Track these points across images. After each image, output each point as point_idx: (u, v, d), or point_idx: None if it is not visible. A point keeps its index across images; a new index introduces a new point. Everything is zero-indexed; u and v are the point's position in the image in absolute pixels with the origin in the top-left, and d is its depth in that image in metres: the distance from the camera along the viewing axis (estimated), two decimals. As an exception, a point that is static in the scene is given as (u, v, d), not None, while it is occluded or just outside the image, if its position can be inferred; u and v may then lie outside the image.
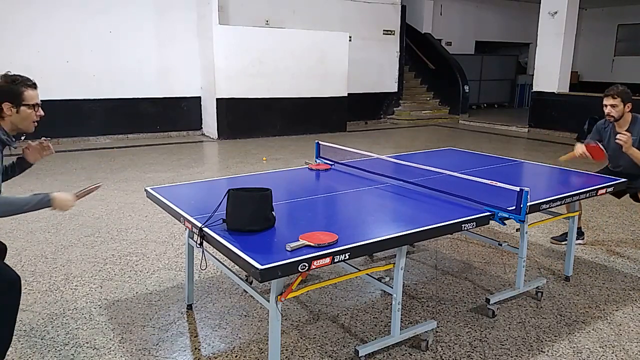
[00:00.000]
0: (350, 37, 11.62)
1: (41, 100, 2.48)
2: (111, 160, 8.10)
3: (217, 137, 10.34)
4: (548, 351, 2.79)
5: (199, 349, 2.80)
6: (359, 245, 2.19)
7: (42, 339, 2.85)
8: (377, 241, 2.26)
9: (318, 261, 2.04)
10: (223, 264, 2.87)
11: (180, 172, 7.28)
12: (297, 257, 2.01)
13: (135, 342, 2.83)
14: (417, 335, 2.82)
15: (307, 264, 2.01)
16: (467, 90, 14.42)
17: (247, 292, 3.18)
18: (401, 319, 2.74)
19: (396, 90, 13.91)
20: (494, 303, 3.19)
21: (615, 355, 2.76)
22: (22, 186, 5.82)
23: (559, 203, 3.03)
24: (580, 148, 4.03)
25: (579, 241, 4.43)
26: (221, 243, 2.19)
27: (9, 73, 2.34)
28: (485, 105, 17.37)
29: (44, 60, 9.19)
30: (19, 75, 2.35)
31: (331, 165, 3.88)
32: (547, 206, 2.96)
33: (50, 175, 6.91)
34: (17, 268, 3.80)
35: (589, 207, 5.51)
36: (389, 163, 3.95)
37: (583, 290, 3.56)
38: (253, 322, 3.07)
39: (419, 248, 4.29)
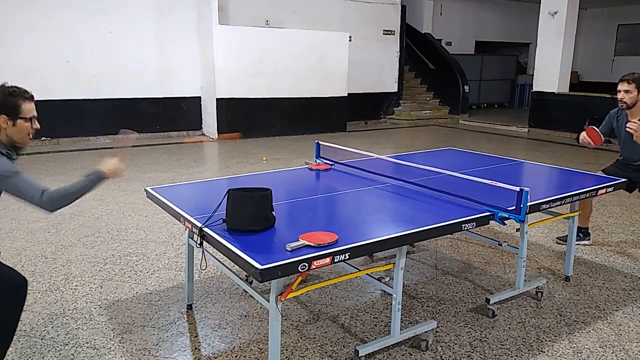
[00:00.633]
0: (350, 37, 11.62)
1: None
2: (111, 160, 8.08)
3: (217, 137, 10.34)
4: (548, 351, 2.79)
5: (199, 349, 2.80)
6: (359, 245, 2.19)
7: (42, 339, 2.85)
8: (377, 241, 2.26)
9: (318, 261, 2.04)
10: (223, 264, 2.87)
11: (180, 172, 7.28)
12: (297, 257, 2.01)
13: (135, 342, 2.83)
14: (417, 335, 2.82)
15: (307, 264, 2.01)
16: (467, 90, 14.42)
17: (247, 292, 3.19)
18: (401, 319, 2.74)
19: (396, 90, 13.91)
20: (494, 303, 3.19)
21: (615, 355, 2.76)
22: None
23: (558, 203, 3.03)
24: (582, 136, 4.04)
25: (585, 242, 4.40)
26: (221, 243, 2.19)
27: (6, 85, 2.30)
28: (485, 105, 17.36)
29: (44, 60, 9.19)
30: (17, 87, 2.32)
31: (331, 165, 3.88)
32: (547, 206, 2.96)
33: (50, 175, 6.91)
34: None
35: (589, 207, 5.50)
36: (389, 163, 3.95)
37: (583, 290, 3.56)
38: (253, 322, 3.07)
39: (419, 248, 4.29)
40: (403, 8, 13.50)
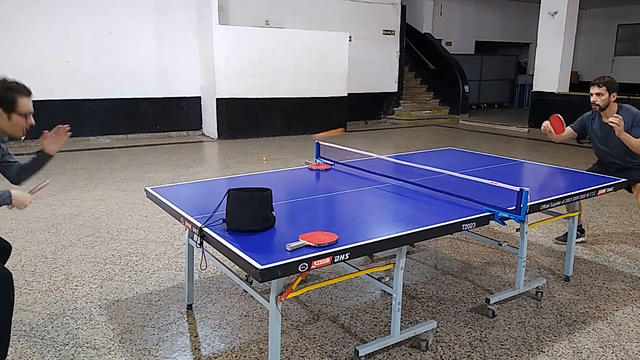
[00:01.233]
0: (350, 37, 11.62)
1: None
2: (111, 160, 8.10)
3: (217, 137, 10.34)
4: (548, 351, 2.79)
5: (199, 349, 2.80)
6: (359, 245, 2.19)
7: (42, 339, 2.85)
8: (377, 241, 2.26)
9: (318, 261, 2.04)
10: (223, 264, 2.87)
11: (180, 172, 7.28)
12: (297, 257, 2.01)
13: (135, 342, 2.83)
14: (417, 335, 2.82)
15: (307, 264, 2.01)
16: (467, 90, 14.42)
17: (247, 292, 3.18)
18: (401, 319, 2.74)
19: (396, 90, 13.91)
20: (494, 303, 3.19)
21: (615, 355, 2.76)
22: (22, 186, 5.78)
23: (558, 203, 3.03)
24: (544, 123, 4.15)
25: (581, 239, 4.43)
26: (221, 243, 2.19)
27: (6, 79, 2.33)
28: (485, 105, 17.37)
29: (44, 60, 9.19)
30: (15, 82, 2.35)
31: (331, 165, 3.88)
32: (547, 206, 2.96)
33: (50, 175, 6.86)
34: (17, 268, 3.80)
35: (589, 207, 5.51)
36: (389, 163, 3.95)
37: (583, 290, 3.56)
38: (253, 322, 3.07)
39: (419, 248, 4.29)
40: (403, 8, 13.51)
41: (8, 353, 2.49)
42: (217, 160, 8.75)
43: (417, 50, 15.28)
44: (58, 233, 4.62)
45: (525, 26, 16.98)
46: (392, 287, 2.65)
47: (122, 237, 4.54)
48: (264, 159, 8.28)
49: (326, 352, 2.75)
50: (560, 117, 4.15)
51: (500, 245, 3.51)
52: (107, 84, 9.88)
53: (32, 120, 2.42)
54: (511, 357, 2.73)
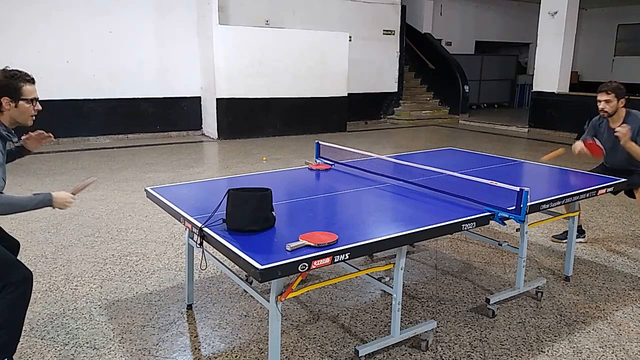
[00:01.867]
0: (350, 37, 11.62)
1: (41, 101, 2.52)
2: (111, 160, 8.10)
3: (217, 137, 10.34)
4: (548, 351, 2.79)
5: (199, 349, 2.80)
6: (359, 245, 2.19)
7: (42, 339, 2.85)
8: (377, 241, 2.26)
9: (318, 261, 2.04)
10: (223, 264, 2.87)
11: (180, 172, 7.28)
12: (297, 257, 2.01)
13: (135, 342, 2.83)
14: (417, 335, 2.82)
15: (307, 264, 2.01)
16: (467, 90, 14.42)
17: (247, 292, 3.18)
18: (401, 319, 2.74)
19: (396, 90, 13.91)
20: (494, 303, 3.19)
21: (615, 355, 2.76)
22: (22, 186, 5.82)
23: (559, 203, 3.03)
24: (578, 145, 4.04)
25: (580, 239, 4.43)
26: (221, 243, 2.19)
27: (7, 68, 2.39)
28: (485, 105, 17.37)
29: (44, 60, 9.18)
30: (18, 70, 2.40)
31: (331, 165, 3.88)
32: (547, 206, 2.96)
33: (50, 175, 6.90)
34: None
35: (589, 207, 5.51)
36: (389, 163, 3.95)
37: (583, 290, 3.56)
38: (253, 322, 3.07)
39: (419, 248, 4.29)
40: (403, 8, 13.50)
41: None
42: (217, 160, 8.75)
43: (417, 50, 15.29)
44: (58, 233, 4.62)
45: (525, 26, 16.98)
46: (392, 287, 2.66)
47: (122, 237, 4.54)
48: (264, 159, 8.28)
49: (326, 352, 2.75)
50: (596, 140, 4.00)
51: (500, 245, 3.51)
52: (107, 84, 9.88)
53: (39, 106, 2.48)
54: (511, 357, 2.73)
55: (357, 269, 2.91)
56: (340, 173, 3.70)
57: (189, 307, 3.23)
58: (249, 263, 1.97)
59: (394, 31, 13.42)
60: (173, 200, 2.84)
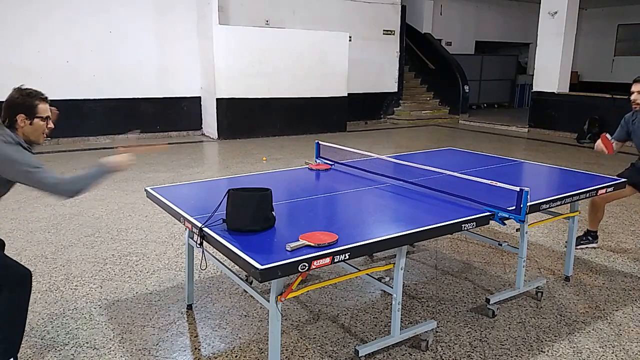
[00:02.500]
0: (350, 37, 11.62)
1: None
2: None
3: (217, 137, 10.34)
4: (548, 351, 2.79)
5: (199, 349, 2.80)
6: (359, 245, 2.19)
7: (42, 339, 2.85)
8: (377, 241, 2.26)
9: (318, 261, 2.04)
10: (223, 264, 2.87)
11: (180, 172, 7.28)
12: (297, 257, 2.01)
13: (135, 342, 2.83)
14: (417, 335, 2.82)
15: (307, 264, 2.01)
16: (467, 90, 14.42)
17: (247, 292, 3.18)
18: (401, 319, 2.74)
19: (396, 90, 13.91)
20: (494, 303, 3.19)
21: (615, 355, 2.76)
22: (22, 186, 5.78)
23: (559, 203, 3.03)
24: (597, 143, 4.01)
25: (594, 244, 4.36)
26: (221, 243, 2.19)
27: (22, 87, 2.46)
28: (485, 105, 17.36)
29: (44, 60, 9.19)
30: (33, 89, 2.48)
31: (331, 165, 3.88)
32: (547, 206, 2.96)
33: (50, 175, 6.89)
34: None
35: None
36: (389, 163, 3.95)
37: (583, 290, 3.56)
38: (253, 322, 3.07)
39: (419, 248, 4.29)
40: (403, 8, 13.50)
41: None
42: (217, 160, 8.75)
43: (417, 50, 15.28)
44: (58, 233, 4.62)
45: (525, 26, 16.98)
46: (392, 287, 2.66)
47: (122, 237, 4.54)
48: (264, 159, 8.28)
49: (326, 352, 2.75)
50: (609, 137, 3.98)
51: (500, 245, 3.51)
52: (107, 84, 9.87)
53: (51, 124, 2.56)
54: (511, 357, 2.73)
55: (357, 269, 2.91)
56: (340, 173, 3.70)
57: (189, 307, 3.23)
58: (249, 263, 1.97)
59: (394, 31, 13.42)
60: (173, 200, 2.84)
